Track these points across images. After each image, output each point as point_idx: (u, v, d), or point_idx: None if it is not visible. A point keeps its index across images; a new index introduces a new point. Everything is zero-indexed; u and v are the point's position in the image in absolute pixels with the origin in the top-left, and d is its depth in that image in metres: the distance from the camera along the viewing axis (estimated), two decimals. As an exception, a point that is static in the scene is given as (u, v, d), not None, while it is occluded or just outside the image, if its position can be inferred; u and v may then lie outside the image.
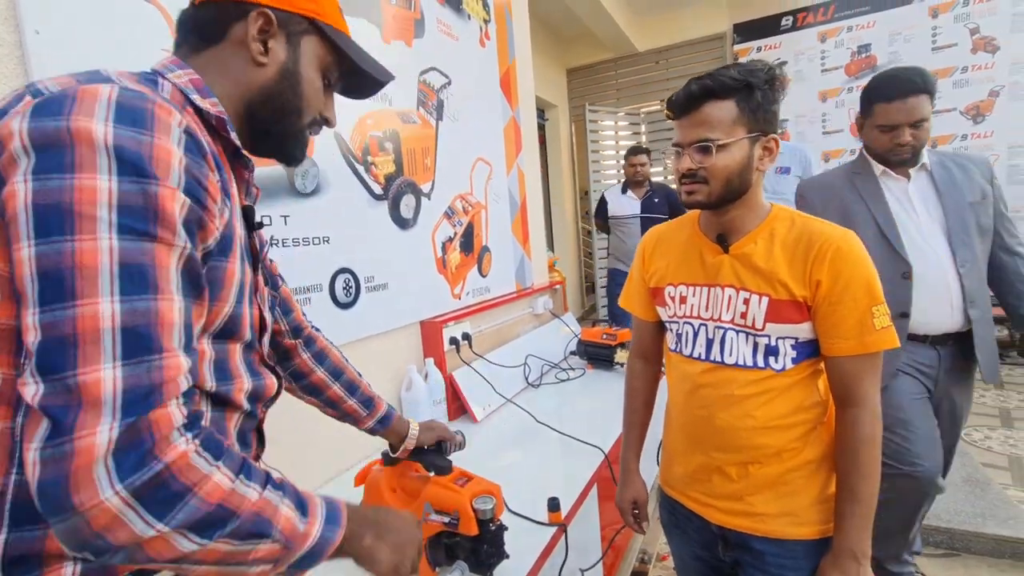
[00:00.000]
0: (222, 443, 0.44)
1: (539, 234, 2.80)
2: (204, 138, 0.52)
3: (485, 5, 2.27)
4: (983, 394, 3.44)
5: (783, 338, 0.89)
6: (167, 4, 1.03)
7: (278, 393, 0.69)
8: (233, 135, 0.59)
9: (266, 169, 1.23)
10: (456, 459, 1.03)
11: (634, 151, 3.47)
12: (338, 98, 1.46)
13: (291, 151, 0.67)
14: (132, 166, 0.42)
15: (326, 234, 1.39)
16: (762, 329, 0.89)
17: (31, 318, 0.38)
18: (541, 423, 1.65)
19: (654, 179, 3.70)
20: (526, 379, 2.12)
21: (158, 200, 0.43)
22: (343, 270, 1.45)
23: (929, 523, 2.05)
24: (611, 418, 1.58)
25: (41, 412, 0.37)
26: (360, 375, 0.98)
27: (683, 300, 1.00)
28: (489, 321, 2.18)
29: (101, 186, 0.40)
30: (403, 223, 1.70)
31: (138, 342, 0.40)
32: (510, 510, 1.18)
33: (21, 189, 0.39)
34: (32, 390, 0.37)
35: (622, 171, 5.60)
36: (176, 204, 0.44)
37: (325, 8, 0.63)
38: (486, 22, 2.28)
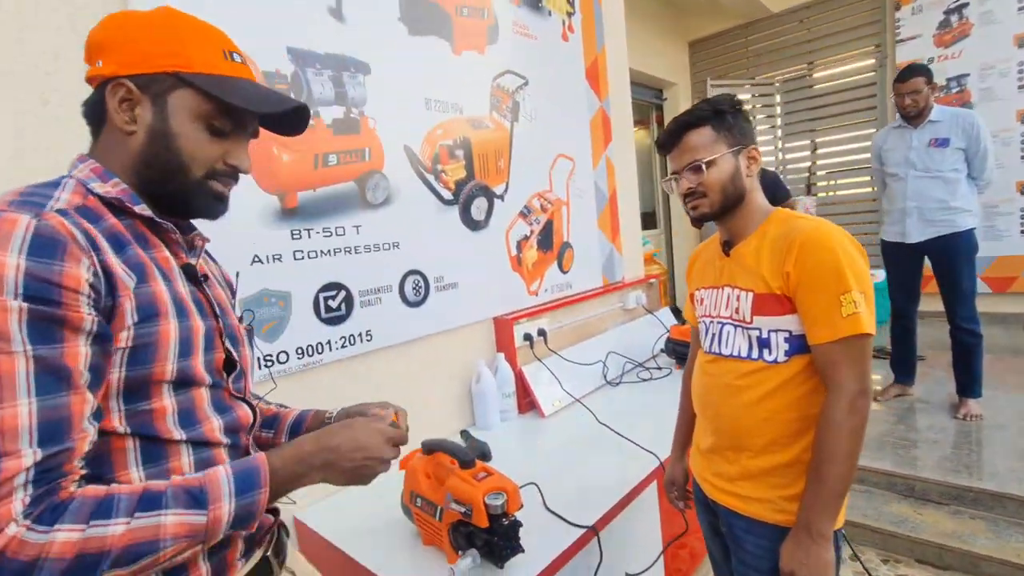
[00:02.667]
0: (64, 505, 0.49)
1: (632, 226, 2.71)
2: (103, 224, 0.57)
3: (569, -3, 2.25)
4: None
5: (774, 331, 0.96)
6: (257, 57, 1.23)
7: (255, 421, 0.74)
8: (139, 207, 0.61)
9: (339, 186, 1.40)
10: (511, 449, 1.09)
11: None
12: (407, 110, 1.59)
13: (197, 207, 0.67)
14: None
15: (396, 239, 1.54)
16: (751, 322, 0.98)
17: None
18: (602, 423, 1.65)
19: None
20: (604, 377, 2.11)
21: None
22: (413, 271, 1.59)
23: None
24: (675, 424, 1.52)
25: None
26: (276, 406, 0.92)
27: (702, 301, 1.13)
28: (571, 317, 2.20)
29: None
30: (474, 225, 1.79)
31: None
32: (548, 508, 1.22)
33: None
34: None
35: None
36: (9, 313, 0.48)
37: (193, 57, 0.62)
38: (569, 15, 2.25)
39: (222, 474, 0.57)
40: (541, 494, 1.26)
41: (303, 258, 1.33)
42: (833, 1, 4.70)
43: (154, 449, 0.59)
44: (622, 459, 1.46)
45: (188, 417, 0.62)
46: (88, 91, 0.65)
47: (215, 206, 0.68)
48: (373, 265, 1.48)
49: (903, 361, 2.83)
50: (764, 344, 0.97)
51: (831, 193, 5.00)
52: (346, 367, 1.44)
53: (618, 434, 1.57)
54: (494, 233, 1.88)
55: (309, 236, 1.34)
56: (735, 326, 1.01)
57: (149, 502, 0.52)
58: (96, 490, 0.51)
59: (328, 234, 1.38)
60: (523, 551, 1.01)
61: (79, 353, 0.51)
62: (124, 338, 0.56)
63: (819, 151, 4.96)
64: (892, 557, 1.89)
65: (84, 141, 0.66)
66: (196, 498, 0.54)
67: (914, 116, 2.53)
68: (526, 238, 2.02)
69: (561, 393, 1.89)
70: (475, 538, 1.00)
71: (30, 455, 0.47)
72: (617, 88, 2.58)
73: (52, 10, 0.99)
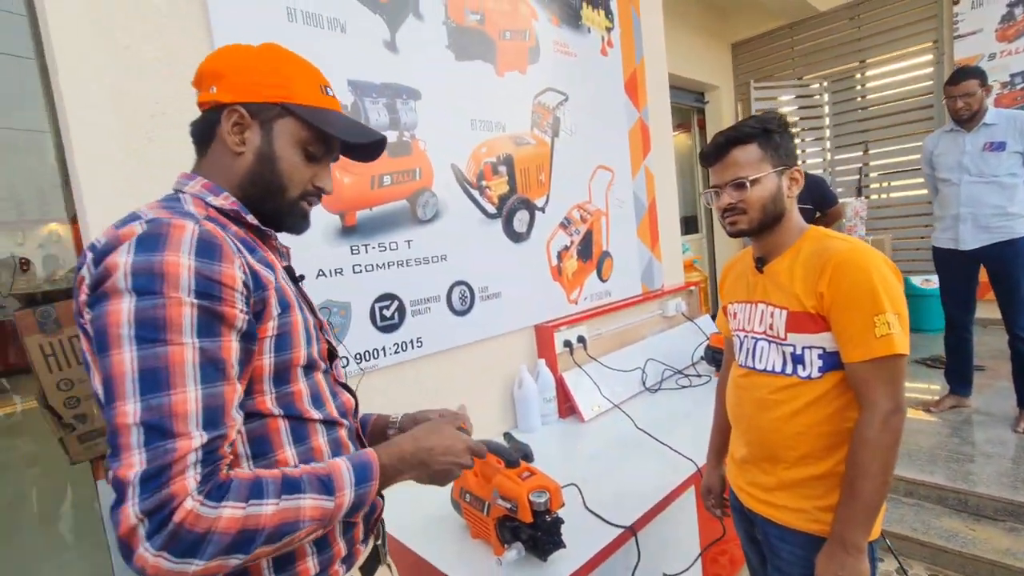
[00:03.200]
0: (228, 484, 0.54)
1: (672, 234, 2.74)
2: (229, 231, 0.64)
3: (608, 13, 2.31)
4: None
5: (808, 347, 0.98)
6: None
7: (357, 407, 0.82)
8: (249, 217, 0.69)
9: (393, 204, 1.52)
10: (552, 452, 1.16)
11: None
12: (454, 131, 1.69)
13: (289, 224, 0.74)
14: (143, 286, 0.53)
15: (444, 252, 1.65)
16: (785, 339, 1.00)
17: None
18: (640, 429, 1.70)
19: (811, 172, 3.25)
20: (643, 383, 2.15)
21: (166, 309, 0.52)
22: (459, 282, 1.69)
23: None
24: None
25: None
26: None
27: (735, 316, 1.15)
28: (610, 324, 2.26)
29: (121, 307, 0.52)
30: (516, 237, 1.88)
31: (153, 429, 0.50)
32: (587, 508, 1.29)
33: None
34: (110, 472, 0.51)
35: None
36: (183, 307, 0.53)
37: (296, 90, 0.69)
38: (608, 30, 2.32)
39: (343, 465, 0.63)
40: (581, 494, 1.33)
41: (361, 271, 1.45)
42: (885, -3, 4.55)
43: (299, 429, 0.66)
44: (660, 464, 1.51)
45: (317, 399, 0.69)
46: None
47: (302, 223, 0.76)
48: (423, 276, 1.59)
49: (958, 371, 2.73)
50: (798, 360, 0.99)
51: (884, 196, 4.82)
52: (398, 371, 1.55)
53: (656, 440, 1.62)
54: (535, 244, 1.96)
55: (366, 251, 1.46)
56: (769, 342, 1.03)
57: (291, 486, 0.57)
58: (245, 473, 0.57)
59: (383, 249, 1.50)
60: (564, 546, 1.08)
61: (232, 347, 0.57)
62: (271, 327, 0.63)
63: (871, 151, 4.79)
64: (941, 572, 1.84)
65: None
66: (326, 485, 0.60)
67: (967, 120, 2.45)
68: (566, 248, 2.09)
69: (600, 399, 1.95)
70: (520, 532, 1.08)
71: (198, 437, 0.52)
72: (656, 97, 2.62)
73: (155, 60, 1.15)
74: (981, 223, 2.46)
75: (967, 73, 2.41)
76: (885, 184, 4.91)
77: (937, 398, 2.83)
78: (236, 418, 0.58)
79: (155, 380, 0.51)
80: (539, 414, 1.87)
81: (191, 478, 0.51)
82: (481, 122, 1.77)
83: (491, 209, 1.79)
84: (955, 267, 2.59)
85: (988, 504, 1.95)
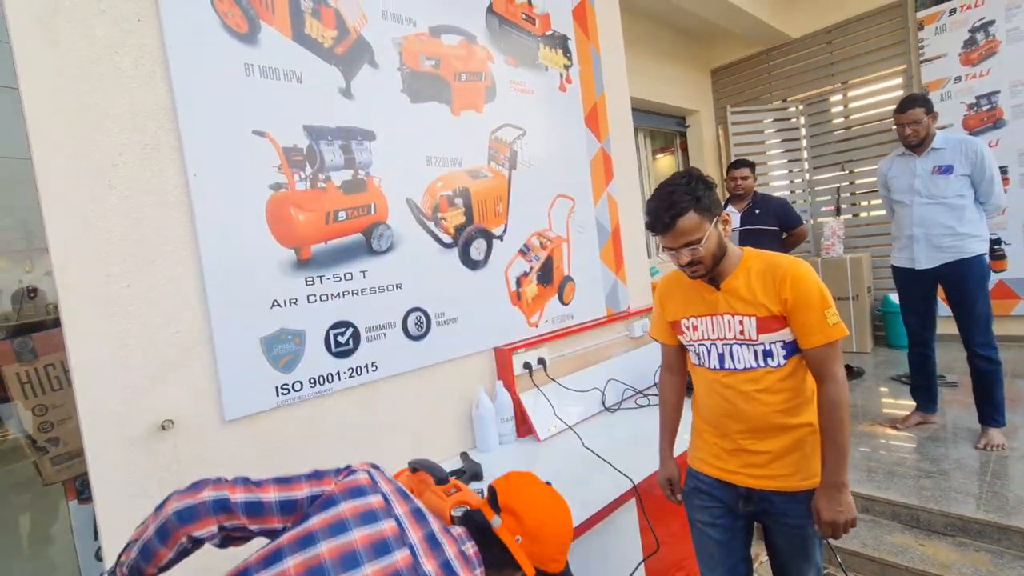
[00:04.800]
0: None
1: (638, 257, 2.83)
2: None
3: (566, 52, 2.45)
4: None
5: (774, 342, 1.22)
6: (277, 136, 1.49)
7: None
8: None
9: (348, 238, 1.63)
10: (504, 470, 1.22)
11: (735, 164, 3.28)
12: (409, 167, 1.78)
13: None
14: None
15: (399, 281, 1.75)
16: (757, 339, 1.23)
17: None
18: (587, 448, 1.77)
19: (772, 192, 3.35)
20: (603, 403, 2.23)
21: None
22: (415, 309, 1.79)
23: None
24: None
25: None
26: None
27: (695, 328, 1.33)
28: (573, 346, 2.34)
29: None
30: (473, 264, 1.99)
31: None
32: (522, 523, 1.37)
33: None
34: None
35: (768, 175, 5.12)
36: None
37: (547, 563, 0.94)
38: (567, 67, 2.45)
39: None
40: (517, 511, 1.41)
41: (316, 300, 1.56)
42: (855, 24, 4.72)
43: None
44: (602, 481, 1.58)
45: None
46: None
47: None
48: (378, 304, 1.70)
49: (923, 388, 2.78)
50: (768, 354, 1.23)
51: (860, 216, 4.92)
52: (354, 395, 1.64)
53: (600, 457, 1.69)
54: (493, 271, 2.06)
55: (321, 281, 1.57)
56: (742, 344, 1.25)
57: None
58: None
59: (338, 279, 1.60)
60: (488, 558, 1.16)
61: None
62: None
63: (845, 171, 4.90)
64: (892, 588, 1.88)
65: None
66: None
67: (916, 145, 2.56)
68: (525, 274, 2.19)
69: (557, 419, 2.03)
70: (446, 546, 1.16)
71: None
72: (619, 128, 2.74)
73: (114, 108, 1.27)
74: (934, 243, 2.54)
75: (913, 101, 2.52)
76: (865, 203, 5.01)
77: (905, 414, 2.88)
78: None
79: None
80: (496, 434, 1.95)
81: None
82: (437, 158, 1.89)
83: (447, 239, 1.90)
84: (913, 285, 2.67)
85: (939, 519, 1.99)
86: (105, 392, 1.20)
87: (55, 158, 1.17)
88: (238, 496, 0.84)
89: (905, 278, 2.70)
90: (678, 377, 1.49)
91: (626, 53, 2.86)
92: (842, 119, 4.96)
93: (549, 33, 2.37)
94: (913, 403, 2.87)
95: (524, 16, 2.26)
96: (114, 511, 1.20)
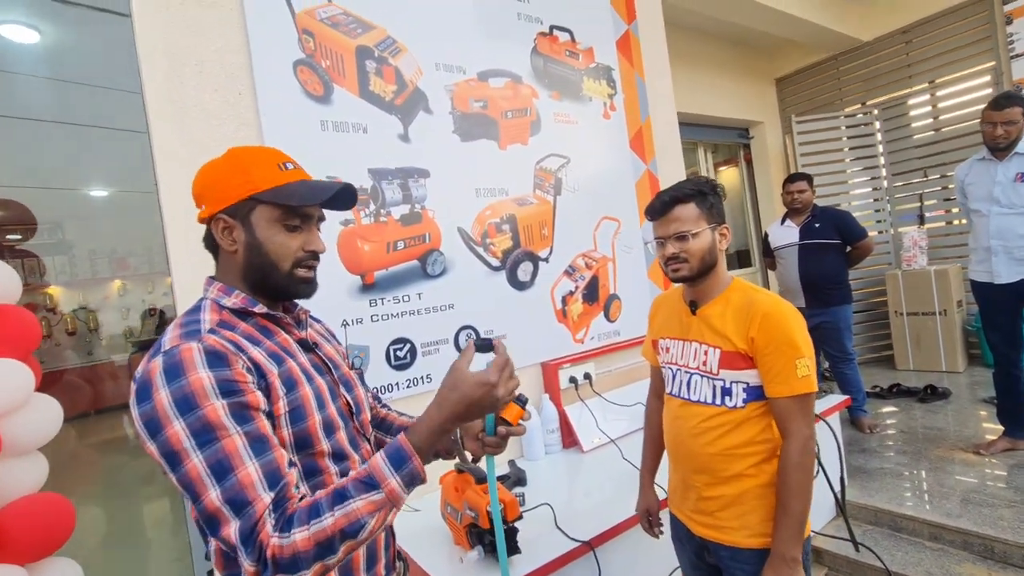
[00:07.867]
0: (293, 516, 0.67)
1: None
2: (238, 329, 0.76)
3: (610, 81, 2.58)
4: None
5: (735, 382, 1.14)
6: (347, 179, 1.74)
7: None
8: (256, 307, 0.80)
9: (406, 264, 1.85)
10: (548, 478, 1.33)
11: (791, 178, 3.15)
12: (460, 199, 1.99)
13: (294, 292, 0.84)
14: (183, 407, 0.66)
15: (451, 302, 1.95)
16: (717, 374, 1.16)
17: None
18: (626, 459, 1.85)
19: (847, 201, 3.20)
20: (648, 417, 2.29)
21: (207, 416, 0.66)
22: (466, 326, 1.98)
23: None
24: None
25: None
26: (399, 414, 1.12)
27: (667, 350, 1.29)
28: (620, 362, 2.43)
29: (176, 430, 0.66)
30: (520, 285, 2.15)
31: (235, 503, 0.65)
32: (557, 525, 1.49)
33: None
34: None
35: (843, 183, 4.86)
36: (219, 409, 0.66)
37: (257, 179, 0.78)
38: (611, 96, 2.58)
39: (379, 460, 0.73)
40: (553, 512, 1.53)
41: (378, 319, 1.78)
42: (936, 21, 4.44)
43: (322, 483, 0.78)
44: (636, 492, 1.66)
45: (339, 455, 0.82)
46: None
47: (306, 288, 0.85)
48: (433, 323, 1.90)
49: (1010, 411, 2.56)
50: (726, 392, 1.15)
51: (947, 224, 4.56)
52: (411, 403, 1.84)
53: (638, 469, 1.77)
54: (540, 291, 2.21)
55: (383, 303, 1.79)
56: (702, 376, 1.18)
57: (340, 496, 0.69)
58: (307, 501, 0.70)
59: (397, 301, 1.82)
60: (519, 552, 1.30)
61: (265, 423, 0.71)
62: (282, 405, 0.75)
63: (927, 177, 4.58)
64: (963, 621, 1.77)
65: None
66: (369, 483, 0.71)
67: (1003, 148, 2.39)
68: (571, 293, 2.32)
69: (600, 432, 2.12)
70: (482, 537, 1.31)
71: (268, 496, 0.67)
72: (666, 149, 2.82)
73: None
74: (1015, 255, 2.37)
75: (1012, 99, 2.32)
76: (954, 211, 4.64)
77: (992, 439, 2.66)
78: (291, 471, 0.72)
79: (221, 468, 0.66)
80: (543, 444, 2.08)
81: (269, 525, 0.66)
82: (485, 189, 2.09)
83: (495, 263, 2.08)
84: (994, 301, 2.49)
85: (1015, 552, 1.85)
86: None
87: (177, 204, 1.47)
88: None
89: (985, 293, 2.53)
90: (663, 402, 1.38)
91: (684, 70, 2.93)
92: (923, 122, 4.65)
93: (593, 66, 2.51)
94: (1001, 427, 2.64)
95: (568, 52, 2.42)
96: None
